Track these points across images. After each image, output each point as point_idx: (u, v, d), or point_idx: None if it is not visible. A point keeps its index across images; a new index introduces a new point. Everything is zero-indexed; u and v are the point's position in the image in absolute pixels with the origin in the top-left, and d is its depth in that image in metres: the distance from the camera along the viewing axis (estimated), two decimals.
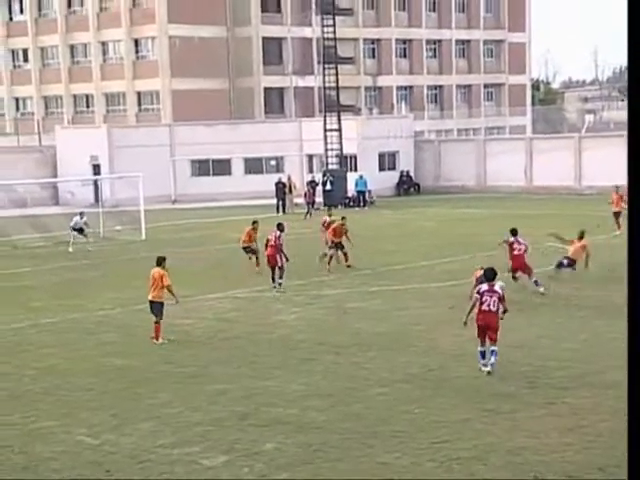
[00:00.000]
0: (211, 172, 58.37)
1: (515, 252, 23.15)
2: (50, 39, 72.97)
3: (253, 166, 58.55)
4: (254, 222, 28.77)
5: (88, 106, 73.06)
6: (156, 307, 18.89)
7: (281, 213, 47.70)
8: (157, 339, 18.84)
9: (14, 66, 76.42)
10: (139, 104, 70.35)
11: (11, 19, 75.80)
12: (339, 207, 50.76)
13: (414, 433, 12.92)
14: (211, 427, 13.42)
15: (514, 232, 23.63)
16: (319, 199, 50.40)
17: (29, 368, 17.26)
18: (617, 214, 34.07)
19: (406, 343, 18.39)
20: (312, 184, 49.98)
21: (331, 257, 27.60)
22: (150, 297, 19.05)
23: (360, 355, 17.53)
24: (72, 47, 72.85)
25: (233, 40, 69.40)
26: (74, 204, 50.32)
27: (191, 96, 66.74)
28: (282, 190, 49.65)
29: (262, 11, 69.36)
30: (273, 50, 70.70)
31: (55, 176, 56.17)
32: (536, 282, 22.88)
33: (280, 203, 49.05)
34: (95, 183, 52.71)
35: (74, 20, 71.77)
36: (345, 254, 27.85)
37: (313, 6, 59.84)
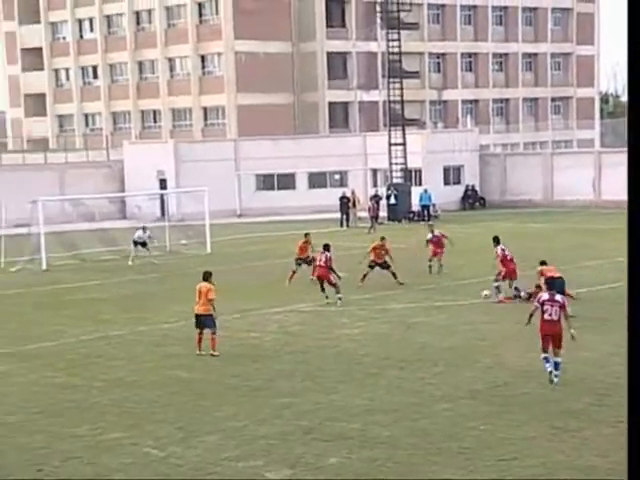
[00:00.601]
0: (275, 186, 58.68)
1: (509, 257, 24.22)
2: (119, 56, 74.28)
3: (317, 180, 58.72)
4: (306, 234, 29.37)
5: (155, 121, 74.11)
6: (208, 320, 19.04)
7: (345, 227, 47.72)
8: (214, 349, 18.97)
9: (84, 83, 77.93)
10: (205, 119, 71.13)
11: (82, 37, 77.37)
12: (403, 221, 50.70)
13: (480, 450, 12.76)
14: (275, 441, 13.43)
15: (497, 240, 24.60)
16: (383, 213, 50.33)
17: (97, 380, 17.50)
18: None
19: (472, 359, 18.20)
20: (376, 198, 49.92)
21: (365, 275, 27.19)
22: (200, 311, 19.20)
23: (425, 370, 17.39)
24: (140, 63, 74.03)
25: (298, 55, 69.81)
26: (141, 218, 50.94)
27: (256, 111, 67.26)
28: (346, 204, 49.68)
29: (327, 26, 69.68)
30: (338, 65, 70.94)
31: (123, 190, 57.02)
32: (517, 288, 24.12)
33: (344, 217, 49.09)
34: (161, 197, 53.36)
35: (142, 37, 72.97)
36: (393, 273, 27.30)
37: (378, 20, 59.82)
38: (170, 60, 72.02)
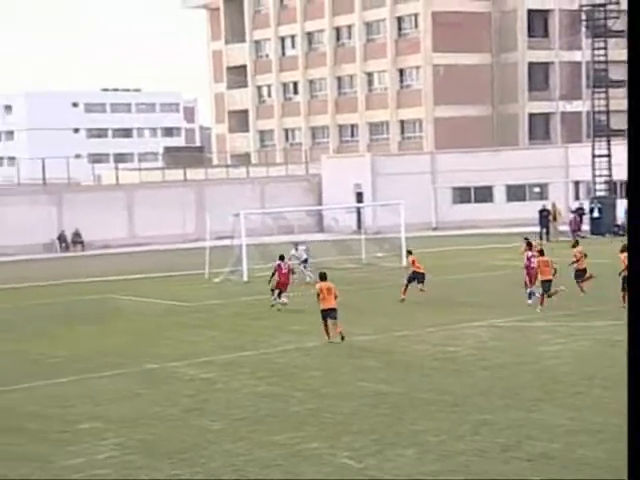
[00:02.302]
0: (472, 199, 58.04)
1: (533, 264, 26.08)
2: (319, 72, 75.86)
3: (515, 193, 57.62)
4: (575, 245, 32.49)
5: (352, 135, 75.10)
6: (335, 312, 21.89)
7: (545, 241, 46.45)
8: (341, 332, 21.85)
9: (285, 98, 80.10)
10: (402, 132, 71.39)
11: (284, 54, 79.61)
12: (607, 236, 48.84)
13: None
14: (474, 457, 13.14)
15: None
16: (586, 227, 48.72)
17: (296, 390, 17.76)
18: None
19: None
20: (579, 211, 48.41)
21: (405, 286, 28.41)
22: (331, 305, 21.86)
23: None
24: (339, 79, 75.30)
25: (497, 66, 68.89)
26: (338, 231, 51.72)
27: (453, 123, 66.86)
28: (546, 218, 48.43)
29: (529, 36, 68.45)
30: (539, 75, 69.46)
31: (320, 204, 58.03)
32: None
33: (543, 230, 47.89)
34: (358, 210, 53.88)
35: (342, 52, 74.20)
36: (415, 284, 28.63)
37: (583, 29, 58.11)
38: (368, 75, 72.84)
